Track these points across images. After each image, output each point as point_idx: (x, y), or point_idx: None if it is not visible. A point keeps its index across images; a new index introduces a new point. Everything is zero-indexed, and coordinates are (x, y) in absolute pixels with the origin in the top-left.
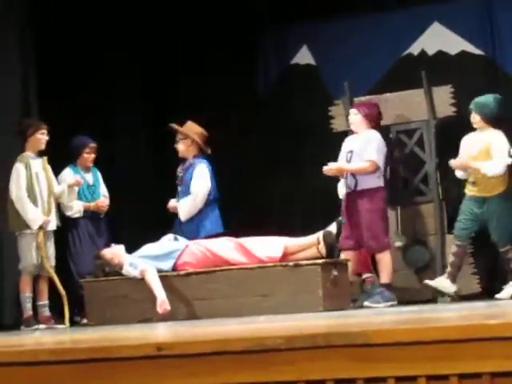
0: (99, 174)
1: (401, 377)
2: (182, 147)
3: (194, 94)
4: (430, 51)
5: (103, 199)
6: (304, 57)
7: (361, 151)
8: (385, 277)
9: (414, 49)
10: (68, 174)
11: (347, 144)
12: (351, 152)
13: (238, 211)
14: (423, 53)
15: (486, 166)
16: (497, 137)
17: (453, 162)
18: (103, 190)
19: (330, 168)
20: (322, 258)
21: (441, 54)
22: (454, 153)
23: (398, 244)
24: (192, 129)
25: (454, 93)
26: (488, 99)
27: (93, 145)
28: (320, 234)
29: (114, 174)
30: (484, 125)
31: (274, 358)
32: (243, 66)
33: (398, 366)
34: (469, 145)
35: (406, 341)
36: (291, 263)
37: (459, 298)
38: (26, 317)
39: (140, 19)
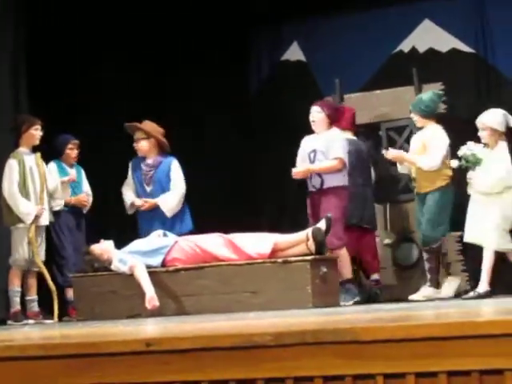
0: (83, 172)
1: (389, 374)
2: (145, 146)
3: (187, 92)
4: (421, 48)
5: (85, 196)
6: (294, 53)
7: (326, 150)
8: (347, 272)
9: (405, 46)
10: (55, 168)
11: (308, 144)
12: (314, 151)
13: (229, 209)
14: (414, 50)
15: (420, 159)
16: (435, 131)
17: (388, 153)
18: (86, 187)
19: (297, 171)
20: (312, 254)
21: (431, 52)
22: None
23: (387, 242)
24: (154, 128)
25: (445, 90)
26: (423, 96)
27: (75, 141)
28: (309, 231)
29: (107, 171)
30: (424, 121)
31: (263, 355)
32: (235, 63)
33: (387, 364)
34: (413, 143)
35: (395, 338)
36: (280, 260)
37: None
38: (14, 311)
39: (135, 19)
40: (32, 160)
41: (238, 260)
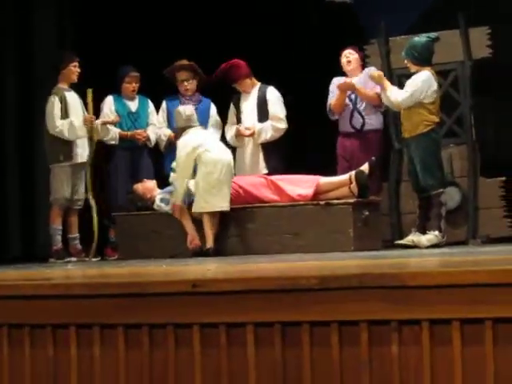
0: (149, 104)
1: (435, 319)
2: (195, 85)
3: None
4: None
5: (142, 131)
6: None
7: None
8: None
9: None
10: (109, 102)
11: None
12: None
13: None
14: None
15: (391, 88)
16: (419, 74)
17: (372, 73)
18: (152, 119)
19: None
20: (354, 197)
21: None
22: (489, 94)
23: None
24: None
25: (491, 34)
26: (416, 42)
27: (134, 74)
28: (352, 174)
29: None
30: (416, 68)
31: (308, 298)
32: (278, 9)
33: (433, 309)
34: None
35: (442, 284)
36: (322, 202)
37: (490, 240)
38: (56, 249)
39: None
40: (73, 96)
41: (280, 202)
